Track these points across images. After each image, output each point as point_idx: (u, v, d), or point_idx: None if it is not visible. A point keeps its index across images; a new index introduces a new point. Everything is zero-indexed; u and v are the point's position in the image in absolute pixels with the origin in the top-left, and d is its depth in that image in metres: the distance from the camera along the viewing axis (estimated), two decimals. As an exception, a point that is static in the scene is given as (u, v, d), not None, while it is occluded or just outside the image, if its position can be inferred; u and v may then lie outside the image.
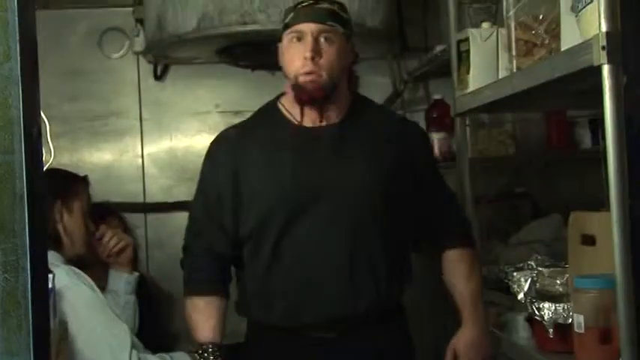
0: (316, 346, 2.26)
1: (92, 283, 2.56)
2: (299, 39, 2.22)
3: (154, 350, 2.65)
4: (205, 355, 2.29)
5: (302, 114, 2.29)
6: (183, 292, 2.43)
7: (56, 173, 2.53)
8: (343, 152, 2.27)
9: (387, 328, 2.32)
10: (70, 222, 2.67)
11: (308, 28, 2.21)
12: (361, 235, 2.24)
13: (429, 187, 2.37)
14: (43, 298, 1.15)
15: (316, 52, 2.19)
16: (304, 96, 2.24)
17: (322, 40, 2.21)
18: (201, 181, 2.40)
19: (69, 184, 2.73)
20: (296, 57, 2.22)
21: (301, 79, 2.21)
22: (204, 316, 2.33)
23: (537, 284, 2.13)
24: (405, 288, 2.36)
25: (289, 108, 2.32)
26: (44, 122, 1.24)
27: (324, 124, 2.29)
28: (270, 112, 2.39)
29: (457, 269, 2.35)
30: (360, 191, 2.25)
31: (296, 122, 2.30)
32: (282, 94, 2.38)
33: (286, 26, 2.26)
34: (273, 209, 2.25)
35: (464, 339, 2.31)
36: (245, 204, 2.29)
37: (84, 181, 2.82)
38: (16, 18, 1.09)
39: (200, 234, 2.40)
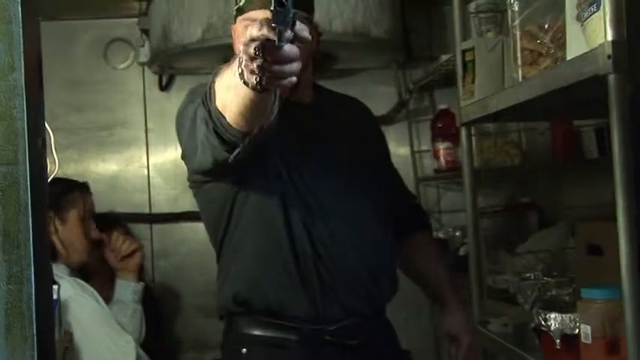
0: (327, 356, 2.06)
1: (97, 294, 2.57)
2: None
3: (159, 361, 2.65)
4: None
5: None
6: (207, 99, 1.84)
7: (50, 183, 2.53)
8: (328, 132, 2.15)
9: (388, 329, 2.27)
10: (65, 232, 2.66)
11: (264, 15, 1.83)
12: (379, 221, 2.18)
13: (390, 167, 2.37)
14: (48, 309, 1.15)
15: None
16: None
17: None
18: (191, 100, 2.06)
19: (62, 194, 2.71)
20: None
21: None
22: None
23: (544, 294, 2.13)
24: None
25: None
26: (49, 133, 1.24)
27: None
28: None
29: (428, 251, 2.37)
30: (355, 166, 2.17)
31: None
32: None
33: (239, 10, 2.02)
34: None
35: (458, 320, 2.28)
36: None
37: (82, 187, 2.80)
38: (21, 29, 1.09)
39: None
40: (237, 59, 1.57)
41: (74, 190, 2.78)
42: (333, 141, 2.13)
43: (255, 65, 1.46)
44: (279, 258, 2.04)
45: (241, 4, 2.01)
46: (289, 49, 1.43)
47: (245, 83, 1.55)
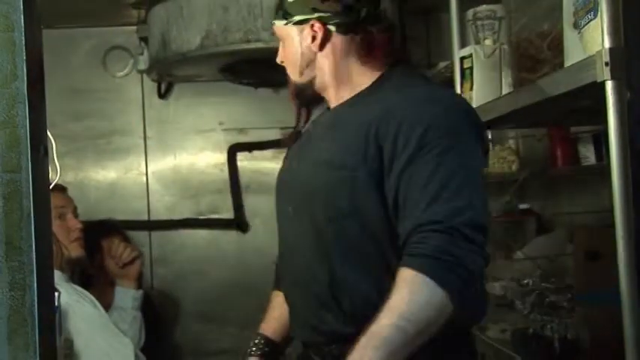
0: None
1: (94, 300, 2.57)
2: None
3: (158, 367, 2.66)
4: (251, 344, 2.08)
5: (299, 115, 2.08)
6: None
7: None
8: (311, 148, 1.96)
9: None
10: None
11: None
12: (318, 244, 1.86)
13: (395, 180, 1.76)
14: (50, 316, 1.15)
15: (280, 56, 2.03)
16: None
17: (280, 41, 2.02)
18: None
19: None
20: None
21: None
22: (269, 308, 2.13)
23: (542, 300, 2.13)
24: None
25: None
26: (50, 141, 1.25)
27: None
28: None
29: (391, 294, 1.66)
30: (312, 190, 1.88)
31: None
32: None
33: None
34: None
35: None
36: None
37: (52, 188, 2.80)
38: (23, 38, 1.10)
39: None
40: None
41: None
42: (308, 156, 1.96)
43: None
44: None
45: None
46: None
47: None
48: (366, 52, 1.94)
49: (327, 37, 1.94)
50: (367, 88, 1.93)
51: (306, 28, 1.94)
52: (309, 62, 1.96)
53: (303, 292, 1.91)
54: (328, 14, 1.92)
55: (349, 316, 1.82)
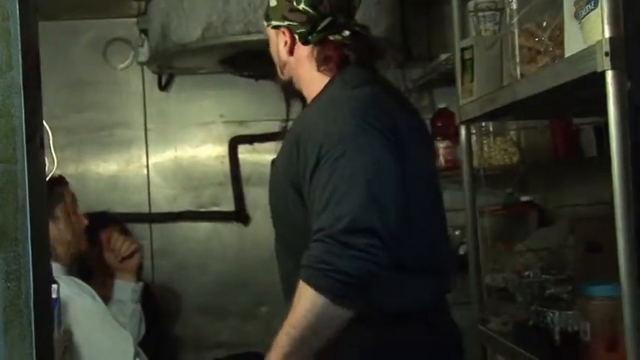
0: None
1: (94, 292, 2.57)
2: None
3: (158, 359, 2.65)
4: None
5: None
6: None
7: None
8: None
9: None
10: (56, 229, 2.65)
11: None
12: (275, 241, 2.15)
13: (307, 192, 1.89)
14: (46, 307, 1.15)
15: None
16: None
17: None
18: None
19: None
20: None
21: None
22: None
23: (543, 292, 2.13)
24: None
25: None
26: (47, 132, 1.24)
27: None
28: None
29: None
30: (271, 199, 2.13)
31: None
32: None
33: None
34: None
35: None
36: None
37: (60, 181, 2.79)
38: (18, 27, 1.09)
39: None
40: None
41: (53, 186, 2.75)
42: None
43: None
44: None
45: None
46: None
47: None
48: (322, 62, 2.09)
49: (294, 45, 2.12)
50: (317, 95, 2.07)
51: (280, 33, 2.13)
52: (285, 64, 2.15)
53: (280, 281, 2.11)
54: (295, 24, 2.09)
55: None
